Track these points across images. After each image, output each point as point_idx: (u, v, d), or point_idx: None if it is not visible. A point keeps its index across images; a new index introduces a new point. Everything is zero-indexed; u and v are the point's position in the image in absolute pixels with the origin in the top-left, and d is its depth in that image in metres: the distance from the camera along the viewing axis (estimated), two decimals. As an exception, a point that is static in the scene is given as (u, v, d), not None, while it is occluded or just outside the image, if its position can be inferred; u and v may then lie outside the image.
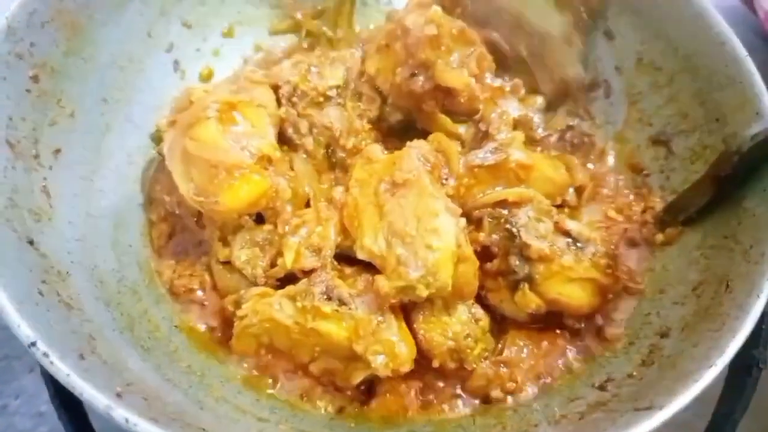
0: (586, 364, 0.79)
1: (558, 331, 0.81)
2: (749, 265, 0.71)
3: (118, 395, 0.56)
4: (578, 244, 0.77)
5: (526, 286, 0.76)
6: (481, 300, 0.79)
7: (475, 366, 0.76)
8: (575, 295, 0.77)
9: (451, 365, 0.75)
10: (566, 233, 0.78)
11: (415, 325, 0.75)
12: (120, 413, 0.54)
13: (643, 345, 0.76)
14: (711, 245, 0.79)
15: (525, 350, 0.79)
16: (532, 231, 0.77)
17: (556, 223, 0.78)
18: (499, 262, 0.77)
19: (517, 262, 0.76)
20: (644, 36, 0.94)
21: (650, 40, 0.93)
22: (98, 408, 0.54)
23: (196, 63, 0.99)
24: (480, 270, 0.76)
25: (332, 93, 0.92)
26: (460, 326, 0.75)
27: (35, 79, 0.78)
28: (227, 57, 1.02)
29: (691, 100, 0.89)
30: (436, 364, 0.75)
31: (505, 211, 0.79)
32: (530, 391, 0.78)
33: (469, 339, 0.76)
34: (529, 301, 0.76)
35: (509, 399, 0.77)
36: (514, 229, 0.77)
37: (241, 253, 0.79)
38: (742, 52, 0.82)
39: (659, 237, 0.85)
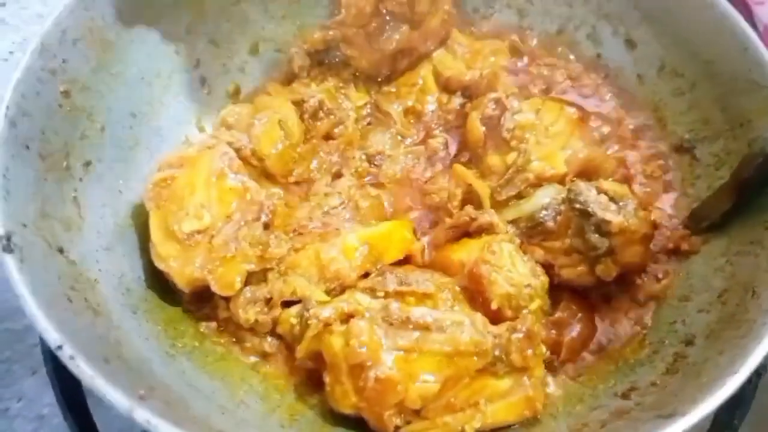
0: (615, 365, 0.79)
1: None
2: (776, 270, 0.70)
3: (141, 398, 0.58)
4: (620, 203, 0.79)
5: (609, 259, 0.78)
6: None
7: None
8: (639, 252, 0.79)
9: (508, 312, 0.75)
10: (607, 194, 0.79)
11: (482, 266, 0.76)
12: (142, 415, 0.55)
13: (667, 353, 0.75)
14: (736, 252, 0.78)
15: (578, 316, 0.81)
16: (601, 205, 0.78)
17: (597, 186, 0.80)
18: (572, 241, 0.79)
19: (597, 238, 0.77)
20: (665, 43, 0.94)
21: (671, 47, 0.93)
22: (121, 409, 0.56)
23: (222, 79, 1.02)
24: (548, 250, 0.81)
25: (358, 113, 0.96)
26: (521, 276, 0.77)
27: (66, 94, 0.80)
28: (252, 73, 1.05)
29: (713, 105, 0.88)
30: (494, 306, 0.75)
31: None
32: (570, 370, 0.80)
33: (529, 289, 0.77)
34: (611, 271, 0.78)
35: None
36: (589, 208, 0.77)
37: (248, 314, 0.80)
38: (765, 56, 0.81)
39: (684, 245, 0.84)
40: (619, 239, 0.77)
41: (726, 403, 0.67)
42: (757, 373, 0.70)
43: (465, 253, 0.81)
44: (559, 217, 0.80)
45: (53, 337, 0.59)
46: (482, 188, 0.88)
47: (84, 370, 0.57)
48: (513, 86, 0.97)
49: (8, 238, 0.64)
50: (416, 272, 0.80)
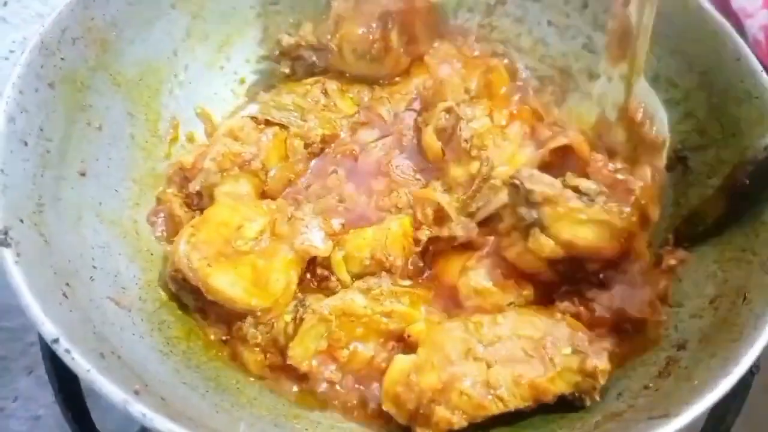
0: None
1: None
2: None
3: (136, 392, 0.58)
4: (587, 197, 0.76)
5: (537, 230, 0.76)
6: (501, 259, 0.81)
7: None
8: (590, 236, 0.75)
9: None
10: (575, 189, 0.77)
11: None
12: (137, 408, 0.55)
13: (659, 357, 0.75)
14: (728, 258, 0.79)
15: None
16: (537, 180, 0.77)
17: (563, 180, 0.78)
18: (508, 218, 0.79)
19: (524, 209, 0.76)
20: (660, 53, 0.94)
21: (666, 57, 0.94)
22: (116, 402, 0.56)
23: (220, 80, 1.02)
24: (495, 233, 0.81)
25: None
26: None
27: (64, 92, 0.81)
28: (249, 77, 1.05)
29: (707, 115, 0.89)
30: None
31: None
32: None
33: None
34: (543, 245, 0.75)
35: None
36: (517, 181, 0.77)
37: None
38: (757, 67, 0.83)
39: (671, 261, 0.85)
40: (547, 210, 0.75)
41: (719, 402, 0.69)
42: (751, 372, 0.70)
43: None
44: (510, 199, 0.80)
45: (49, 330, 0.59)
46: (449, 205, 0.87)
47: (80, 363, 0.57)
48: (461, 91, 0.98)
49: (5, 233, 0.64)
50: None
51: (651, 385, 0.72)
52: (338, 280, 0.82)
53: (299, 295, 0.81)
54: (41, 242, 0.70)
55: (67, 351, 0.58)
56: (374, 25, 0.97)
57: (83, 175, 0.81)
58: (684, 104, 0.92)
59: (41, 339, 0.64)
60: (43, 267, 0.67)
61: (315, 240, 0.80)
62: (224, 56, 1.03)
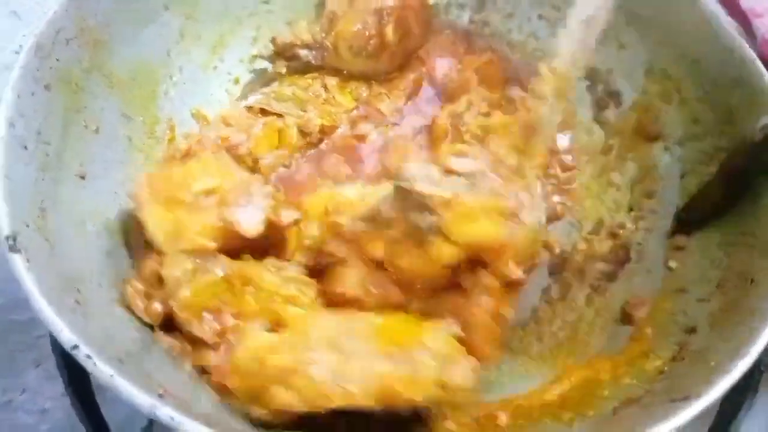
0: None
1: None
2: (772, 258, 0.73)
3: (161, 396, 0.56)
4: (471, 180, 0.70)
5: (439, 239, 0.68)
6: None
7: None
8: (489, 229, 0.68)
9: None
10: (453, 173, 0.71)
11: None
12: (166, 412, 0.54)
13: (670, 342, 0.76)
14: (730, 243, 0.80)
15: None
16: (425, 179, 0.70)
17: (442, 165, 0.72)
18: (398, 224, 0.71)
19: (418, 215, 0.69)
20: (652, 44, 0.96)
21: (658, 48, 0.95)
22: (142, 407, 0.54)
23: (214, 81, 1.01)
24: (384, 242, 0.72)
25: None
26: None
27: (60, 94, 0.79)
28: (244, 77, 1.04)
29: (701, 104, 0.91)
30: None
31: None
32: None
33: None
34: (443, 253, 0.68)
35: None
36: (405, 184, 0.69)
37: None
38: (750, 55, 0.84)
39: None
40: (445, 214, 0.67)
41: (728, 400, 0.70)
42: (759, 369, 0.72)
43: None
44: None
45: (67, 337, 0.57)
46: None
47: (102, 369, 0.56)
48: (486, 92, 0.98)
49: (14, 238, 0.62)
50: None
51: (666, 369, 0.73)
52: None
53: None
54: (47, 248, 0.68)
55: (89, 357, 0.56)
56: (369, 21, 0.97)
57: (83, 178, 0.80)
58: (677, 94, 0.94)
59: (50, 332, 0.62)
60: (53, 273, 0.65)
61: (242, 217, 0.77)
62: (218, 57, 1.01)
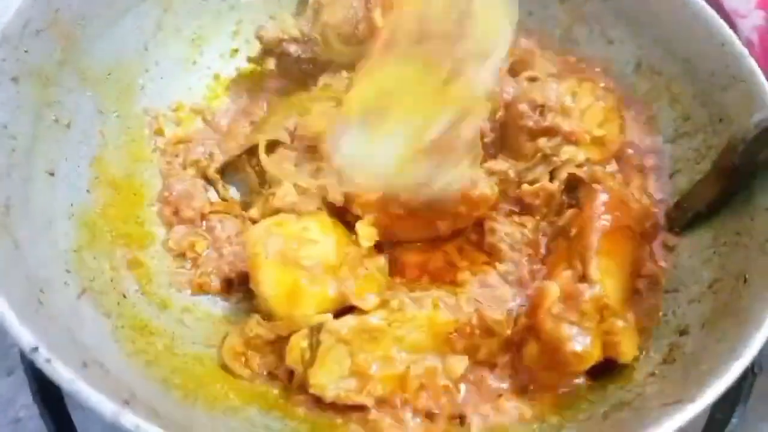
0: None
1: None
2: (767, 257, 0.70)
3: (126, 402, 0.53)
4: None
5: None
6: None
7: None
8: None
9: None
10: None
11: None
12: (130, 419, 0.51)
13: (661, 344, 0.74)
14: (723, 242, 0.78)
15: None
16: None
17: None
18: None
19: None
20: (642, 41, 0.94)
21: (648, 45, 0.94)
22: (105, 414, 0.51)
23: (194, 75, 0.98)
24: None
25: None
26: None
27: (29, 87, 0.76)
28: (225, 71, 1.01)
29: (692, 102, 0.89)
30: None
31: None
32: None
33: None
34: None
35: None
36: None
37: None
38: (742, 51, 0.83)
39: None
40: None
41: (720, 403, 0.68)
42: (753, 372, 0.70)
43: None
44: None
45: (26, 339, 0.54)
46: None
47: (62, 373, 0.53)
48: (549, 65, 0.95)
49: (-27, 235, 0.59)
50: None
51: (656, 372, 0.70)
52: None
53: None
54: (11, 246, 0.65)
55: (48, 360, 0.53)
56: (356, 6, 0.93)
57: (52, 174, 0.76)
58: (668, 92, 0.92)
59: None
60: (16, 272, 0.62)
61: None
62: (197, 51, 0.98)
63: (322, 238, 0.76)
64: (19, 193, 0.70)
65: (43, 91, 0.78)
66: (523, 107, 0.85)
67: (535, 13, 1.02)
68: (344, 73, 0.92)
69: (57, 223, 0.74)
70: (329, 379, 0.70)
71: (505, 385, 0.74)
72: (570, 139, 0.83)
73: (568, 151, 0.83)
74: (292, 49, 0.96)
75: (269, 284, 0.73)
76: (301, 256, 0.73)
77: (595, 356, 0.70)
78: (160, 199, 0.88)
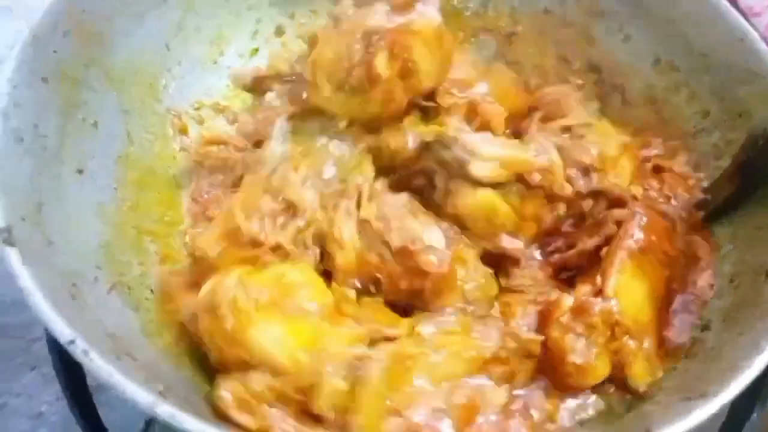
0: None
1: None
2: (787, 252, 0.71)
3: (161, 393, 0.55)
4: None
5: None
6: None
7: None
8: None
9: None
10: None
11: None
12: (166, 410, 0.52)
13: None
14: (743, 237, 0.79)
15: None
16: None
17: None
18: None
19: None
20: (659, 37, 0.94)
21: (666, 40, 0.94)
22: (141, 405, 0.52)
23: (214, 75, 0.99)
24: None
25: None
26: None
27: (58, 87, 0.77)
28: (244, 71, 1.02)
29: (711, 97, 0.89)
30: None
31: None
32: None
33: None
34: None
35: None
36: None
37: None
38: (761, 46, 0.83)
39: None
40: None
41: (741, 400, 0.68)
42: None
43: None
44: None
45: (64, 332, 0.55)
46: None
47: (100, 365, 0.54)
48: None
49: (9, 231, 0.60)
50: None
51: (678, 366, 0.71)
52: None
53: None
54: (44, 242, 0.66)
55: (85, 352, 0.54)
56: (354, 47, 0.76)
57: (81, 173, 0.78)
58: (686, 87, 0.92)
59: (47, 333, 0.60)
60: (49, 267, 0.64)
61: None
62: (217, 50, 1.00)
63: (305, 280, 0.68)
64: (50, 191, 0.72)
65: (71, 91, 0.79)
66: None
67: (552, 11, 1.03)
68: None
69: (87, 220, 0.75)
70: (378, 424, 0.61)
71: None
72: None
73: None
74: (278, 89, 0.92)
75: (275, 340, 0.62)
76: (298, 300, 0.65)
77: (600, 372, 0.68)
78: (190, 197, 0.89)
